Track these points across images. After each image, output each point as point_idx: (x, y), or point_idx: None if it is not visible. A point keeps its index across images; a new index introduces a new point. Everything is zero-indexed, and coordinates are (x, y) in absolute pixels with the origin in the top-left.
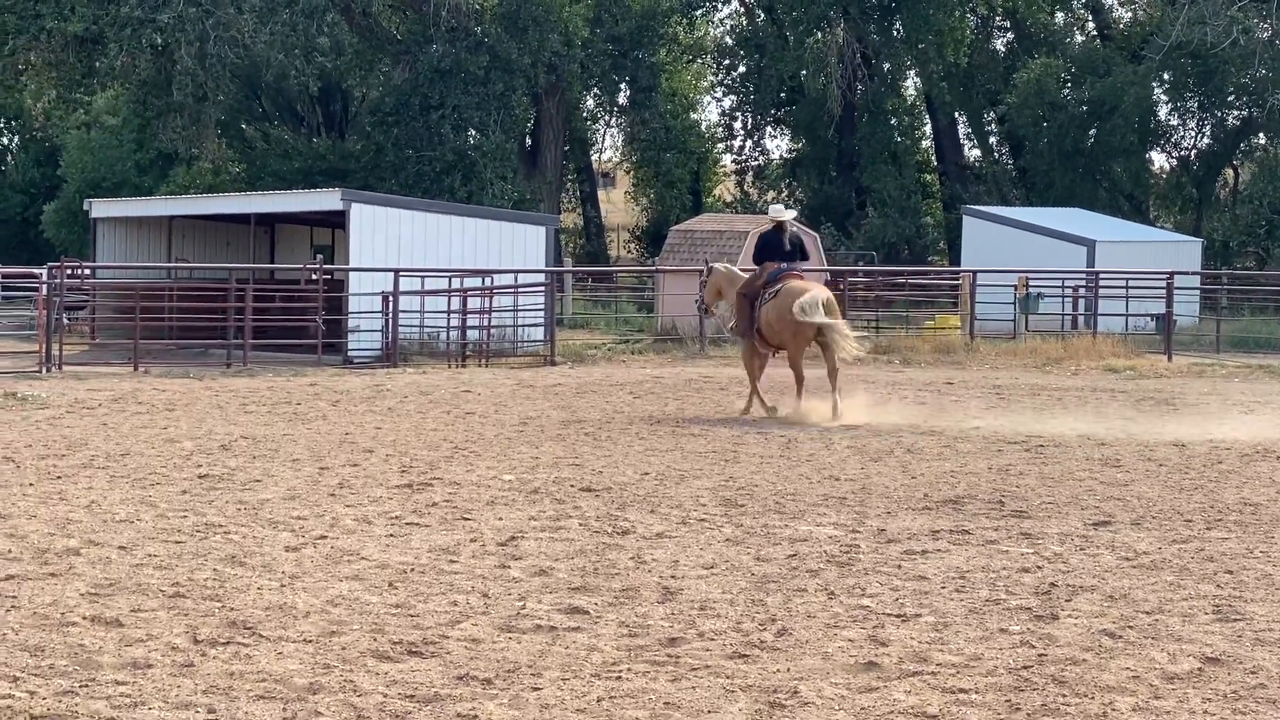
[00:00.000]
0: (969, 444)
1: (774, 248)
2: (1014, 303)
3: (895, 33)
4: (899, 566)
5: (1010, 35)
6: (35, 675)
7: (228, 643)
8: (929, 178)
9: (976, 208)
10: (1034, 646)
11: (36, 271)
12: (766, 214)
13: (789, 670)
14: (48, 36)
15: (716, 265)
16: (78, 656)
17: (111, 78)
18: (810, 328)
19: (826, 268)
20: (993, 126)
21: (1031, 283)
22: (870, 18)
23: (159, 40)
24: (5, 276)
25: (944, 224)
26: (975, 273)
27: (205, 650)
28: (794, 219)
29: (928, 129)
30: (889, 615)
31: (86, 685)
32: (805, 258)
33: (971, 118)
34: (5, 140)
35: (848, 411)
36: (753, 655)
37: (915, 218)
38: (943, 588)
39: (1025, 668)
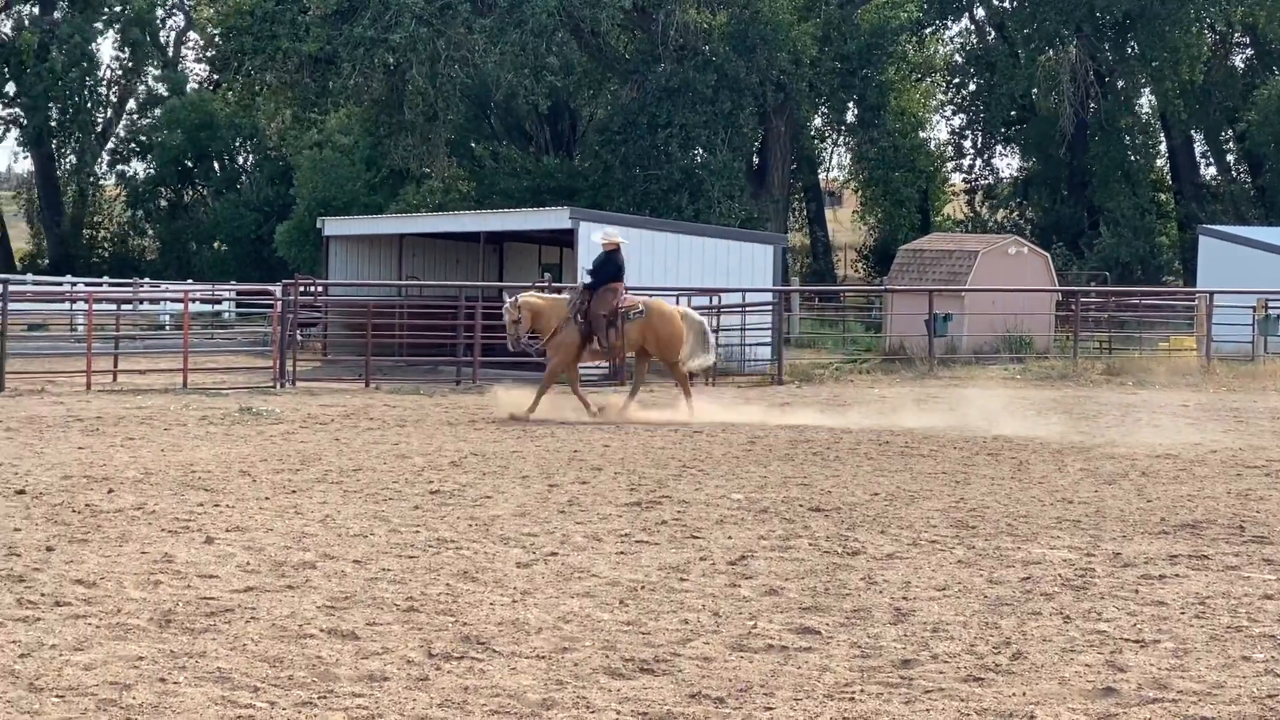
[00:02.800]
0: (1206, 468)
1: (618, 268)
2: (1252, 324)
3: (1129, 50)
4: (1136, 591)
5: (1249, 51)
6: (275, 686)
7: (462, 657)
8: (1163, 196)
9: (1213, 227)
10: (1279, 675)
11: (271, 288)
12: (999, 234)
13: (1025, 695)
14: (283, 57)
15: (525, 297)
16: (316, 668)
17: (345, 97)
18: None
19: (1058, 288)
20: (1230, 144)
21: (1271, 304)
22: (1104, 35)
23: (391, 60)
24: (240, 293)
25: (1179, 244)
26: (1212, 293)
27: (440, 664)
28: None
29: (1162, 147)
30: (1126, 640)
31: (325, 697)
32: None
33: (1208, 135)
34: (241, 160)
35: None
36: (987, 679)
37: (1149, 237)
38: (1182, 613)
39: (1270, 697)
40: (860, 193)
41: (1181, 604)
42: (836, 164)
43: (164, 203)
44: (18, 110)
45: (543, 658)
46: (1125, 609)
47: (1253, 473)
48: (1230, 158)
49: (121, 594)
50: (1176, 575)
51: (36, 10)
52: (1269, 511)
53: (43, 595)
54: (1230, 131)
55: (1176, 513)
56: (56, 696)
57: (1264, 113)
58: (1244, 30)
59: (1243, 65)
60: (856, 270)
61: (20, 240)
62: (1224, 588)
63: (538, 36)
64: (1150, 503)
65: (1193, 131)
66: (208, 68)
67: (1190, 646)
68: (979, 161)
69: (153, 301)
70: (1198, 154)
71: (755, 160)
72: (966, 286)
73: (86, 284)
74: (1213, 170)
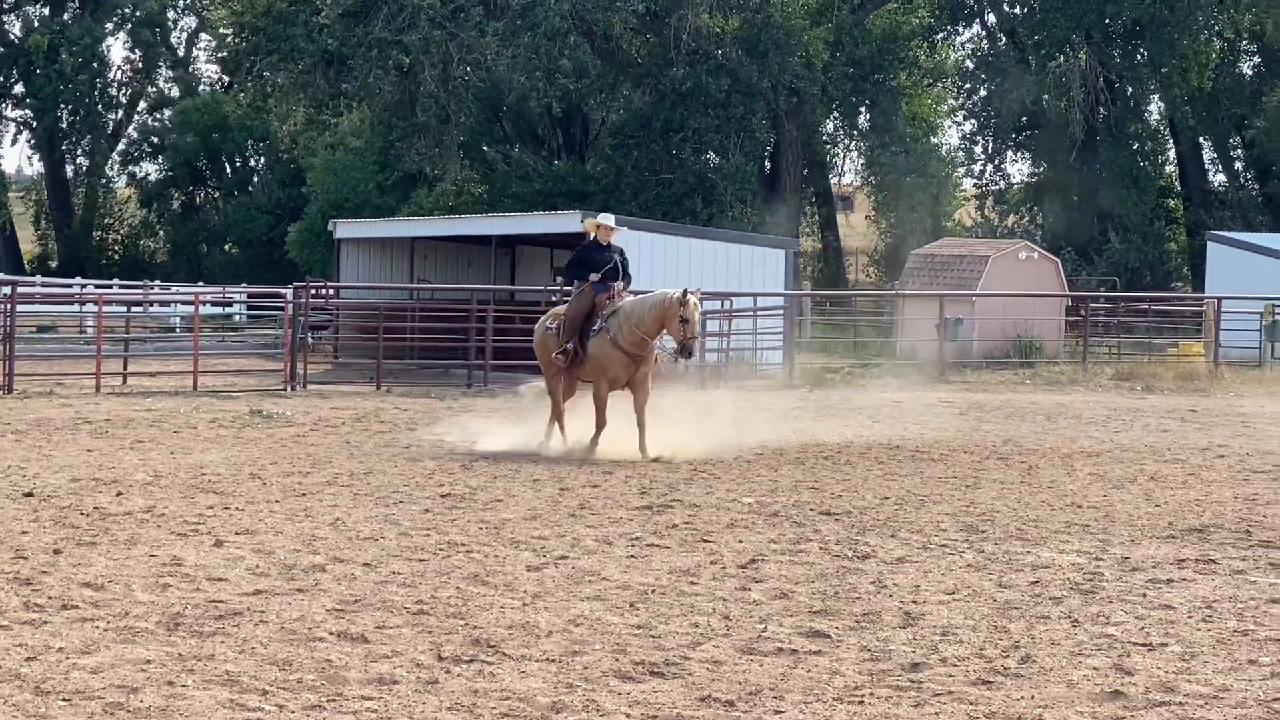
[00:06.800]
0: (1214, 473)
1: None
2: (1260, 330)
3: (1139, 56)
4: (1144, 595)
5: (1257, 59)
6: (283, 689)
7: (471, 660)
8: (1172, 203)
9: (1221, 233)
10: None
11: (282, 291)
12: (1009, 240)
13: (1033, 698)
14: (296, 58)
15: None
16: (325, 672)
17: (357, 99)
18: None
19: (1067, 293)
20: (1239, 151)
21: (1278, 310)
22: (1113, 41)
23: (405, 61)
24: (251, 296)
25: (1187, 250)
26: (1220, 299)
27: (449, 668)
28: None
29: (1171, 154)
30: (1134, 644)
31: (334, 700)
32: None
33: (1217, 142)
34: (253, 161)
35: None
36: (996, 682)
37: (1158, 243)
38: (1189, 617)
39: (1276, 700)
40: (872, 198)
41: (1189, 608)
42: (849, 169)
43: (175, 205)
44: (27, 112)
45: (552, 661)
46: (1133, 613)
47: (1260, 477)
48: (1238, 164)
49: (129, 597)
50: (1184, 579)
51: (46, 11)
52: (1276, 516)
53: (50, 598)
54: (1239, 138)
55: (1184, 517)
56: (63, 700)
57: (1272, 120)
58: (1252, 38)
59: (1251, 72)
60: (868, 275)
61: (29, 242)
62: (1231, 592)
63: (550, 40)
64: (1158, 507)
65: (1201, 138)
66: (219, 68)
67: (1197, 650)
68: (990, 167)
69: (163, 304)
70: (1206, 161)
71: (767, 165)
72: (977, 291)
73: (96, 286)
74: (1221, 177)
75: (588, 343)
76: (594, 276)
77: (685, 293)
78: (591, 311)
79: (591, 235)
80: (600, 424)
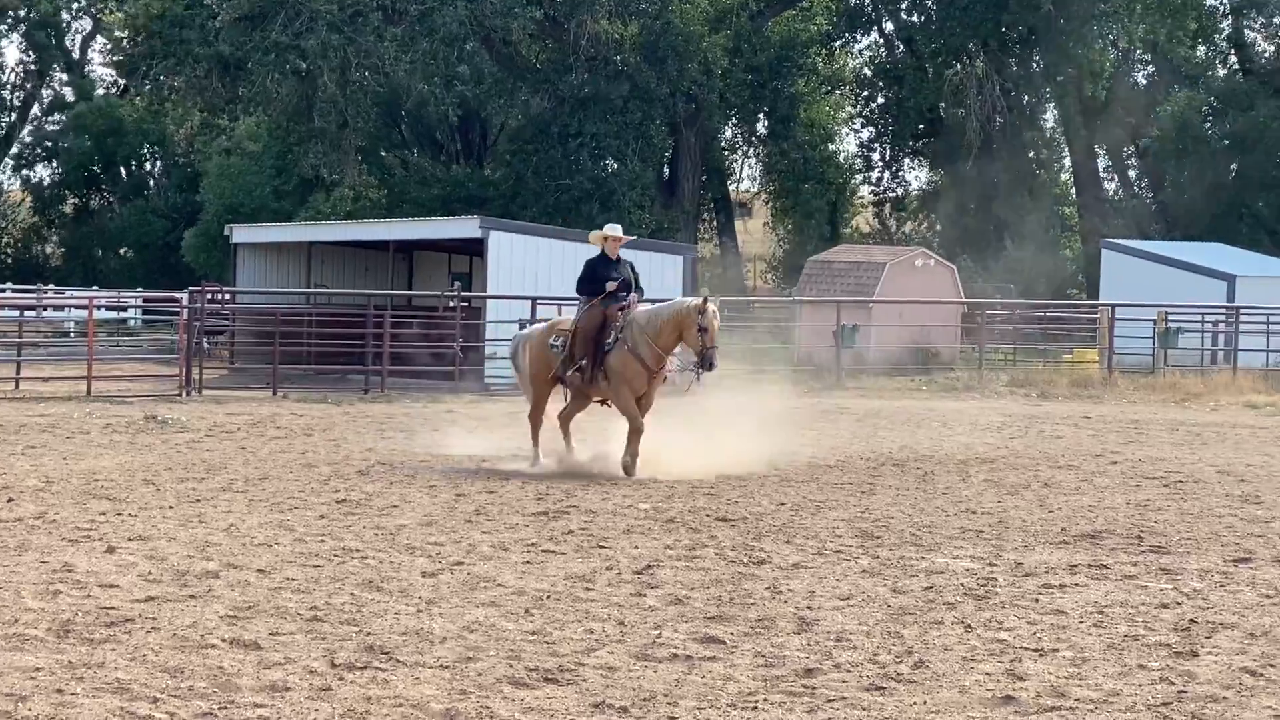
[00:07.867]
0: (1106, 479)
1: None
2: (1153, 337)
3: (1035, 65)
4: (1036, 600)
5: (1151, 68)
6: (175, 696)
7: (365, 667)
8: (1068, 211)
9: (1115, 241)
10: (1173, 683)
11: (177, 296)
12: (906, 247)
13: (925, 703)
14: (193, 62)
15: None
16: (216, 678)
17: (254, 103)
18: None
19: (963, 300)
20: (1133, 160)
21: (1170, 317)
22: (1010, 50)
23: (303, 66)
24: (147, 300)
25: (1082, 257)
26: (1114, 307)
27: (343, 674)
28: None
29: (1067, 162)
30: (1026, 649)
31: (225, 707)
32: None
33: (1111, 151)
34: (149, 165)
35: None
36: (889, 688)
37: (1053, 251)
38: (1080, 622)
39: (1165, 704)
40: (770, 204)
41: (1080, 613)
42: (747, 175)
43: (70, 208)
44: None
45: (446, 667)
46: (1026, 618)
47: (1152, 484)
48: (1133, 173)
49: (19, 604)
50: (1076, 585)
51: None
52: (1166, 522)
53: None
54: (1133, 147)
55: (1077, 523)
56: None
57: (1166, 129)
58: (1145, 48)
59: (1145, 82)
60: (766, 281)
61: None
62: (1122, 597)
63: (448, 45)
64: (1051, 513)
65: (1096, 147)
66: (115, 72)
67: (1088, 655)
68: (887, 174)
69: (57, 308)
70: (1101, 169)
71: (666, 171)
72: (874, 298)
73: None
74: (1115, 185)
75: (606, 356)
76: (610, 286)
77: (705, 300)
78: (604, 325)
79: (599, 249)
80: (637, 430)
